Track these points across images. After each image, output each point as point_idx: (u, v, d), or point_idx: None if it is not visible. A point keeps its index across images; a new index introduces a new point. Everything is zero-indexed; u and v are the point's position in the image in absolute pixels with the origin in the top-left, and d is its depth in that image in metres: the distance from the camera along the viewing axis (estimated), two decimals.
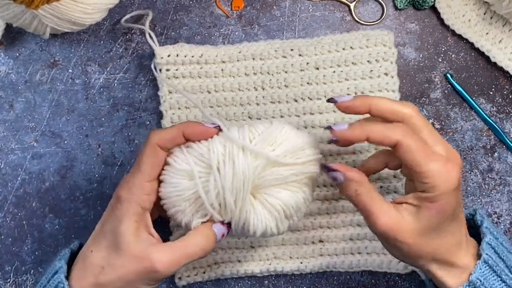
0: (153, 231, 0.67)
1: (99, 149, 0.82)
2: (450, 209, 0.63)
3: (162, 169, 0.67)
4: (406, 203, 0.64)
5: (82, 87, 0.82)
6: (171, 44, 0.81)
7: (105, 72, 0.82)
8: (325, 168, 0.66)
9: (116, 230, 0.65)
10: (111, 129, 0.82)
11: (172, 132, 0.66)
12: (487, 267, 0.64)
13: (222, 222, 0.67)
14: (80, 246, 0.70)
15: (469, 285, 0.64)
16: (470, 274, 0.64)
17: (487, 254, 0.64)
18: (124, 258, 0.64)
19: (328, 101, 0.67)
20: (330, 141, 0.65)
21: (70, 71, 0.82)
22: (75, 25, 0.76)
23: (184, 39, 0.82)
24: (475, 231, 0.68)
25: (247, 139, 0.65)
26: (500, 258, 0.65)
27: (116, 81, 0.82)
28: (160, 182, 0.67)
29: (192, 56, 0.78)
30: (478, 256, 0.65)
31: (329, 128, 0.65)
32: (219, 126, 0.66)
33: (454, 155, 0.64)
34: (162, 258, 0.64)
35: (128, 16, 0.79)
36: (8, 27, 0.80)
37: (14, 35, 0.82)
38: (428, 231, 0.63)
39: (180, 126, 0.66)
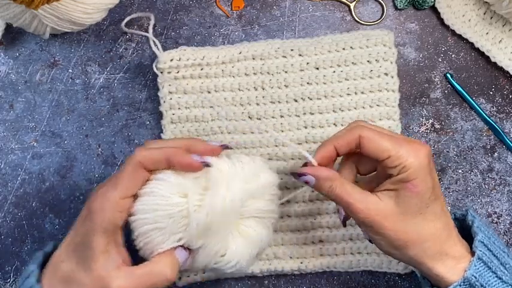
0: (122, 249, 0.65)
1: (99, 149, 0.82)
2: (426, 187, 0.64)
3: (147, 182, 0.65)
4: (385, 190, 0.65)
5: (82, 87, 0.82)
6: (170, 44, 0.81)
7: (105, 72, 0.82)
8: (296, 175, 0.68)
9: (87, 245, 0.63)
10: (111, 129, 0.82)
11: (157, 155, 0.65)
12: (482, 264, 0.64)
13: (185, 248, 0.65)
14: (55, 248, 0.68)
15: (464, 282, 0.64)
16: (465, 271, 0.64)
17: (480, 251, 0.64)
18: (89, 277, 0.63)
19: (294, 176, 0.69)
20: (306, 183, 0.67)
21: (70, 71, 0.82)
22: (75, 25, 0.76)
23: (184, 39, 0.82)
24: (467, 232, 0.68)
25: (239, 168, 0.65)
26: (494, 255, 0.65)
27: (115, 81, 0.82)
28: (138, 196, 0.65)
29: (194, 59, 0.78)
30: (472, 254, 0.65)
31: (299, 175, 0.67)
32: (206, 162, 0.65)
33: (418, 141, 0.66)
34: (122, 286, 0.62)
35: (128, 18, 0.79)
36: (8, 27, 0.80)
37: (14, 35, 0.82)
38: (411, 213, 0.64)
39: (166, 152, 0.65)
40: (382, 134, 0.65)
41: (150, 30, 0.79)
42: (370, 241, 0.68)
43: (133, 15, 0.79)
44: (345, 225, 0.72)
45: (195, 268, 0.68)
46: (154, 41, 0.78)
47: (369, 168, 0.69)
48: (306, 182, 0.67)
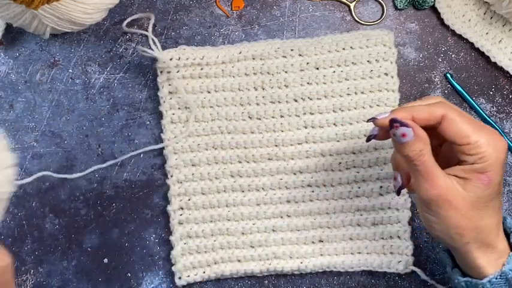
0: None
1: (99, 149, 0.82)
2: (498, 181, 0.63)
3: None
4: (454, 175, 0.63)
5: (82, 87, 0.82)
6: (171, 44, 0.81)
7: (105, 72, 0.82)
8: (394, 122, 0.62)
9: None
10: (111, 129, 0.82)
11: None
12: None
13: None
14: None
15: (500, 276, 0.64)
16: (503, 265, 0.65)
17: None
18: None
19: (368, 120, 0.67)
20: (369, 138, 0.66)
21: (70, 71, 0.82)
22: (75, 25, 0.76)
23: (184, 39, 0.82)
24: None
25: None
26: None
27: (115, 81, 0.82)
28: None
29: (194, 59, 0.78)
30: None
31: (372, 119, 0.64)
32: None
33: (497, 132, 0.64)
34: None
35: (129, 19, 0.79)
36: (8, 27, 0.80)
37: (14, 35, 0.82)
38: (478, 204, 0.63)
39: None
40: (465, 117, 0.63)
41: (150, 29, 0.78)
42: (409, 223, 0.68)
43: (135, 16, 0.79)
44: (398, 194, 0.68)
45: None
46: (153, 40, 0.78)
47: (435, 145, 0.66)
48: (403, 135, 0.61)
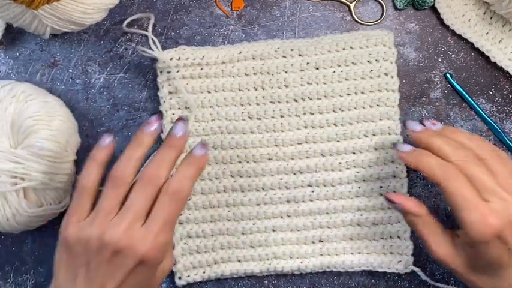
0: None
1: None
2: (489, 257, 0.65)
3: None
4: (459, 236, 0.68)
5: (82, 87, 0.82)
6: (171, 44, 0.81)
7: (105, 72, 0.82)
8: (387, 200, 0.70)
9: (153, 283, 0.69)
10: (111, 129, 0.82)
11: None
12: None
13: None
14: None
15: None
16: None
17: None
18: None
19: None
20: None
21: (70, 71, 0.82)
22: (75, 25, 0.76)
23: (184, 39, 0.82)
24: None
25: None
26: None
27: (116, 81, 0.82)
28: None
29: (194, 59, 0.78)
30: None
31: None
32: None
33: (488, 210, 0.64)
34: None
35: (129, 19, 0.79)
36: (8, 27, 0.80)
37: (14, 35, 0.82)
38: (482, 270, 0.66)
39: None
40: (462, 188, 0.65)
41: (150, 29, 0.78)
42: None
43: (135, 17, 0.79)
44: None
45: None
46: (153, 40, 0.78)
47: None
48: (395, 208, 0.70)
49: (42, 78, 0.82)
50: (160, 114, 0.79)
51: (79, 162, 0.80)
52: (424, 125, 0.72)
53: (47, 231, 0.82)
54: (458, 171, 0.65)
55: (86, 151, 0.81)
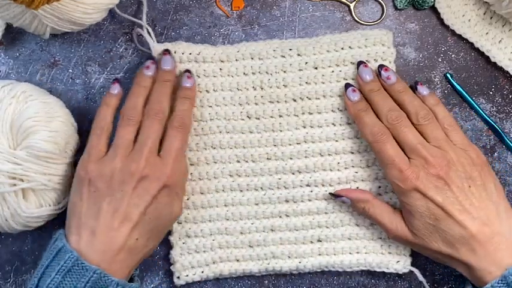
0: None
1: None
2: (417, 210, 0.71)
3: None
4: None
5: (82, 87, 0.82)
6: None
7: (105, 72, 0.83)
8: (333, 196, 0.78)
9: (164, 223, 0.74)
10: (111, 129, 0.82)
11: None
12: None
13: None
14: None
15: (501, 280, 0.67)
16: (506, 269, 0.67)
17: None
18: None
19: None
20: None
21: (70, 71, 0.82)
22: (75, 25, 0.76)
23: (184, 39, 0.82)
24: None
25: None
26: None
27: None
28: None
29: (190, 53, 0.78)
30: None
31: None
32: None
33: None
34: None
35: (126, 15, 0.80)
36: (8, 27, 0.80)
37: (14, 35, 0.83)
38: (425, 231, 0.71)
39: None
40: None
41: (144, 18, 0.79)
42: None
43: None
44: None
45: None
46: (147, 29, 0.79)
47: None
48: (343, 202, 0.78)
49: (42, 78, 0.82)
50: (154, 59, 0.79)
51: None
52: (380, 74, 0.76)
53: (47, 231, 0.82)
54: (386, 131, 0.73)
55: None
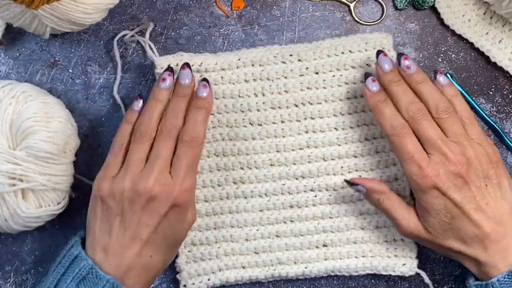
0: None
1: (99, 149, 0.82)
2: (435, 208, 0.70)
3: None
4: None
5: (82, 87, 0.82)
6: (171, 44, 0.82)
7: (105, 72, 0.82)
8: (349, 184, 0.75)
9: (178, 237, 0.74)
10: (111, 129, 0.82)
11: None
12: None
13: None
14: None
15: (508, 275, 0.68)
16: None
17: None
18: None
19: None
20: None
21: (70, 71, 0.82)
22: (75, 25, 0.76)
23: (184, 39, 0.82)
24: None
25: None
26: None
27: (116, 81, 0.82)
28: None
29: (192, 65, 0.78)
30: None
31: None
32: None
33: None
34: None
35: (130, 33, 0.80)
36: (8, 27, 0.80)
37: (14, 35, 0.82)
38: (440, 229, 0.71)
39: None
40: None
41: (147, 36, 0.79)
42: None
43: (137, 29, 0.81)
44: None
45: None
46: (150, 45, 0.79)
47: None
48: (358, 191, 0.75)
49: (42, 78, 0.82)
50: (171, 70, 0.77)
51: (78, 164, 0.80)
52: (399, 63, 0.74)
53: (47, 231, 0.82)
54: (406, 125, 0.71)
55: (86, 151, 0.81)
